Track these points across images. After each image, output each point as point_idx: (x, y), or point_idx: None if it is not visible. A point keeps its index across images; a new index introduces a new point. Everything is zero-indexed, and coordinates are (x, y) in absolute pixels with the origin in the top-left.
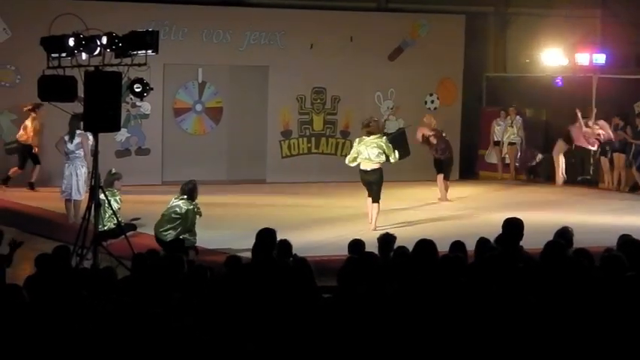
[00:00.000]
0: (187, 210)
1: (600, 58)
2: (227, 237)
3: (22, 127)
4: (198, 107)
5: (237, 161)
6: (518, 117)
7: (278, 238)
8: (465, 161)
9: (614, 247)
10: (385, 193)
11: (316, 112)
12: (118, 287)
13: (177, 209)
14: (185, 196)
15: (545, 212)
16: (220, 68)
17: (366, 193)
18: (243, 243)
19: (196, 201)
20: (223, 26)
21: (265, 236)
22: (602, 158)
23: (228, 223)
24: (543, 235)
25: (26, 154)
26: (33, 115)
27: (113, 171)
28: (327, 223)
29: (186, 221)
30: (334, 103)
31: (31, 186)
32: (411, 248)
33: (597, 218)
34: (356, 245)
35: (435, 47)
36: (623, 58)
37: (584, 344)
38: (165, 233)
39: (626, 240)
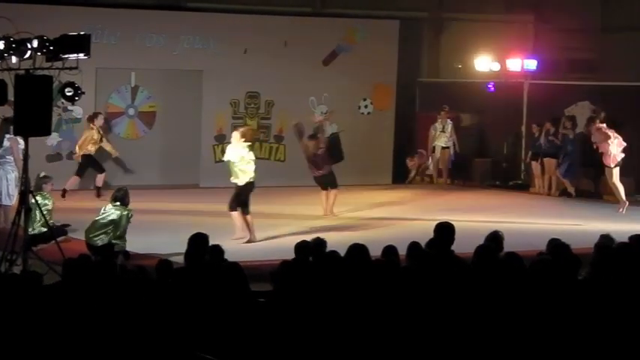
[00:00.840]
0: (122, 216)
1: (531, 64)
2: (159, 242)
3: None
4: (131, 111)
5: (170, 166)
6: (448, 120)
7: (210, 243)
8: (398, 166)
9: (544, 251)
10: (314, 198)
11: (250, 116)
12: (45, 292)
13: (111, 215)
14: (118, 203)
15: (477, 216)
16: (154, 72)
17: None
18: (175, 248)
19: (130, 206)
20: (157, 30)
21: (198, 241)
22: (534, 163)
23: (160, 228)
24: (475, 239)
25: (89, 164)
26: (91, 125)
27: (42, 174)
28: (259, 227)
29: (119, 227)
30: (268, 108)
31: (98, 191)
32: (342, 252)
33: (527, 222)
34: (302, 247)
35: (369, 52)
36: (554, 64)
37: (515, 346)
38: (97, 239)
39: (555, 244)
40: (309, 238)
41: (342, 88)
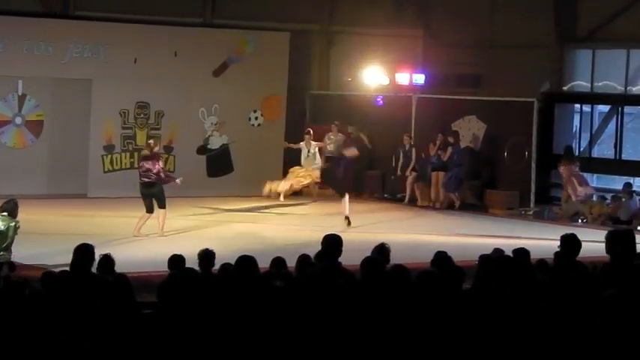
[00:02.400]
0: (8, 227)
1: (419, 78)
2: (45, 252)
3: None
4: (18, 120)
5: (58, 175)
6: (312, 143)
7: (99, 254)
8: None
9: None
10: (204, 208)
11: (140, 126)
12: None
13: None
14: (5, 214)
15: (365, 228)
16: (42, 81)
17: None
18: (61, 258)
19: (17, 218)
20: (45, 38)
21: (83, 252)
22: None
23: (46, 239)
24: (362, 251)
25: None
26: None
27: None
28: (148, 238)
29: (6, 238)
30: (158, 118)
31: None
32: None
33: (414, 235)
34: (176, 261)
35: (260, 64)
36: (443, 78)
37: (401, 356)
38: None
39: (440, 256)
40: (199, 248)
41: (232, 99)
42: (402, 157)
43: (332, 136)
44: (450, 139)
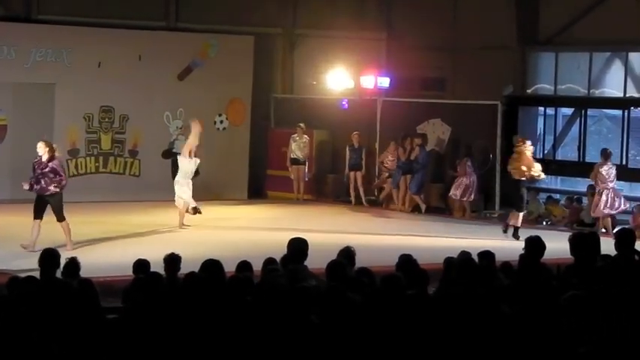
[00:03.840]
0: None
1: (384, 82)
2: (9, 257)
3: None
4: None
5: (21, 180)
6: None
7: (65, 258)
8: (254, 181)
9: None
10: (169, 213)
11: (104, 130)
12: None
13: None
14: None
15: (330, 231)
16: (4, 85)
17: None
18: (26, 263)
19: None
20: (7, 42)
21: (48, 257)
22: (351, 174)
23: (10, 244)
24: (327, 254)
25: None
26: None
27: None
28: (113, 243)
29: None
30: (122, 122)
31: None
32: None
33: (379, 238)
34: (141, 265)
35: (224, 67)
36: (407, 82)
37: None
38: None
39: (405, 259)
40: (163, 253)
41: (197, 103)
42: (349, 155)
43: (297, 138)
44: (418, 141)
